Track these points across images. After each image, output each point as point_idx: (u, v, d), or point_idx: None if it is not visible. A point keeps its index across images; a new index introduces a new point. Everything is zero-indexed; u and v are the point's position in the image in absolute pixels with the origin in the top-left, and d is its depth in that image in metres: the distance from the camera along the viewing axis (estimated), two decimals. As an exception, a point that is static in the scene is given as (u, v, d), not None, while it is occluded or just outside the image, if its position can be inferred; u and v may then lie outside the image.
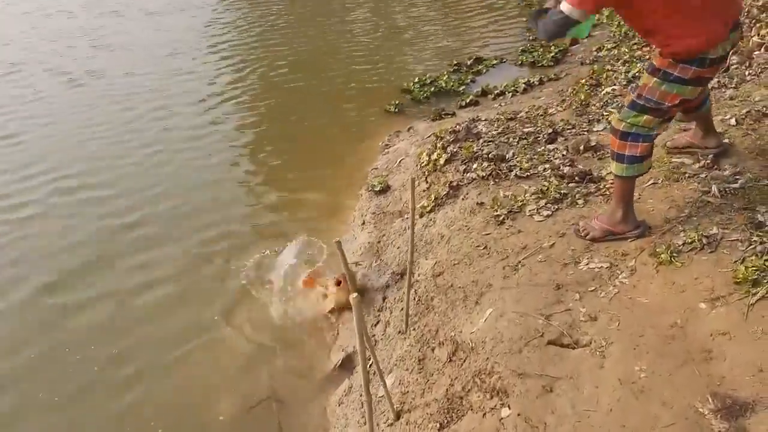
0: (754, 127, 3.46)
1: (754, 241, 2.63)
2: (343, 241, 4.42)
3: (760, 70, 4.46)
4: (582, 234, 3.10)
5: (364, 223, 4.50)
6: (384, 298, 3.60)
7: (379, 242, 4.19)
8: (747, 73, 4.45)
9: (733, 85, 4.34)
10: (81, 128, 6.68)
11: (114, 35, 10.19)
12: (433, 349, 2.94)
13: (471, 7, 10.42)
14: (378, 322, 3.44)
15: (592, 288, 2.82)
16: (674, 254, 2.76)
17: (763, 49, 4.64)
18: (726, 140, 3.42)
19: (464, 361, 2.72)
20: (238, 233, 4.69)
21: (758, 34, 4.94)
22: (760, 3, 5.36)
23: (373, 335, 3.35)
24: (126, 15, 11.54)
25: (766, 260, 2.49)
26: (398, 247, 3.98)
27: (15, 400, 3.40)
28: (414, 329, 3.13)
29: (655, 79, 2.59)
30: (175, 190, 5.35)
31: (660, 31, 2.51)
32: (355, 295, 2.04)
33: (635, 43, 7.02)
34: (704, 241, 2.75)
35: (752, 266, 2.49)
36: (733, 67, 4.64)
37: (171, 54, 9.11)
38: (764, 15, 5.19)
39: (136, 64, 8.67)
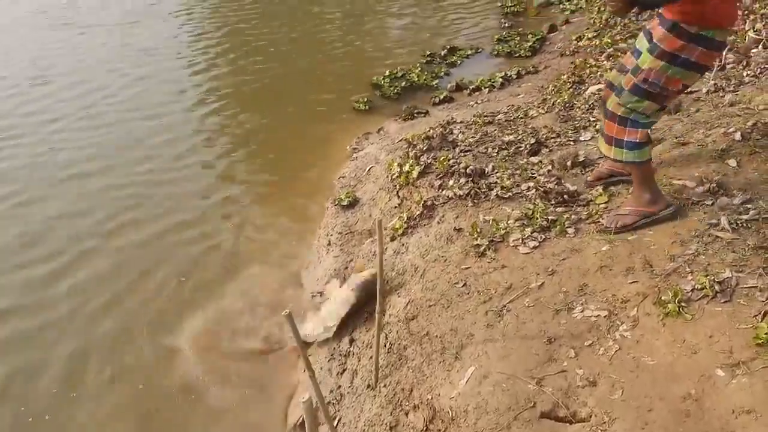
0: (762, 144, 3.10)
1: (776, 291, 2.26)
2: (307, 265, 4.01)
3: (759, 70, 4.10)
4: (612, 226, 2.85)
5: (329, 244, 4.07)
6: (351, 341, 3.19)
7: (346, 268, 3.77)
8: (745, 74, 4.10)
9: (732, 88, 3.99)
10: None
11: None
12: (407, 413, 2.55)
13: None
14: (344, 370, 3.03)
15: (589, 342, 2.44)
16: (682, 304, 2.39)
17: (761, 47, 4.28)
18: (731, 160, 3.06)
19: (443, 434, 2.33)
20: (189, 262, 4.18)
21: (753, 29, 4.58)
22: (752, -9, 4.99)
23: (339, 387, 2.95)
24: None
25: (792, 317, 2.14)
26: (367, 276, 3.56)
27: None
28: (385, 385, 2.73)
29: (662, 62, 2.44)
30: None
31: None
32: (306, 397, 1.63)
33: (617, 33, 6.65)
34: (716, 288, 2.39)
35: (776, 324, 2.13)
36: (729, 66, 4.29)
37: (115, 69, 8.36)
38: (758, 5, 4.82)
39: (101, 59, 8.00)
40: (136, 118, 6.20)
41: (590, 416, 2.16)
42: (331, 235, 4.12)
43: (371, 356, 2.89)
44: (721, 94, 3.93)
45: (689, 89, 3.45)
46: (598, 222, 2.97)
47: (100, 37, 8.88)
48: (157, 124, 6.10)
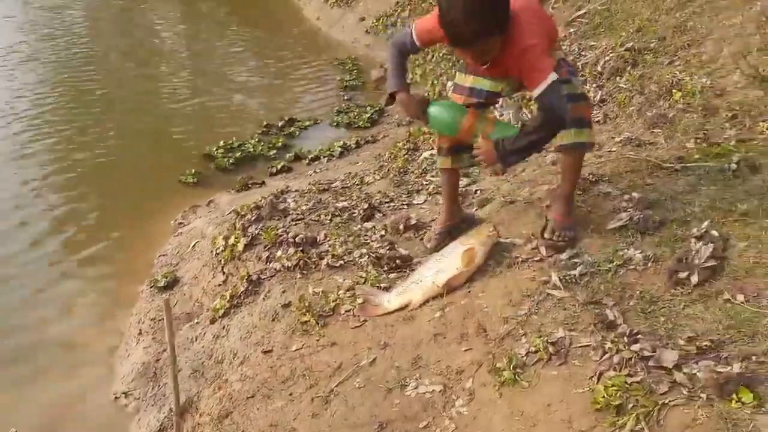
0: (583, 198, 3.12)
1: (609, 348, 2.14)
2: (115, 360, 3.40)
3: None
4: (562, 243, 2.76)
5: (140, 333, 3.50)
6: (156, 451, 2.64)
7: (158, 360, 3.22)
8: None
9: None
10: None
11: None
12: None
13: (282, 65, 9.84)
14: (147, 490, 2.47)
15: (425, 424, 2.17)
16: (518, 370, 2.20)
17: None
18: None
19: None
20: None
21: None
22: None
23: None
24: None
25: (626, 376, 2.00)
26: (182, 369, 3.05)
27: None
28: (192, 505, 2.23)
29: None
30: None
31: None
32: None
33: (450, 104, 6.88)
34: (551, 349, 2.23)
35: (612, 385, 1.98)
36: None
37: None
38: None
39: None
40: None
41: None
42: (143, 322, 3.56)
43: (178, 468, 2.38)
44: (544, 154, 4.02)
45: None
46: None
47: None
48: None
